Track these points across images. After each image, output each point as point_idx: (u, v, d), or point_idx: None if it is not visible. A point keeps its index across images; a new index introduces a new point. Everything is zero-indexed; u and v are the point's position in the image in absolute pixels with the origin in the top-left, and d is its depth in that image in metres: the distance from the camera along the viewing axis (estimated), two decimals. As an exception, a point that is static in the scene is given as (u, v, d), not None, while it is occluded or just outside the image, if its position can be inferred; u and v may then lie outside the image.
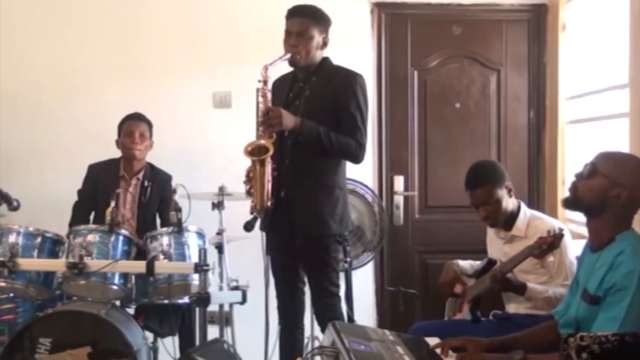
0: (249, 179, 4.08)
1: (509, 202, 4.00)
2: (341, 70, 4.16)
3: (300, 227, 4.09)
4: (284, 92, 4.20)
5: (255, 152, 3.99)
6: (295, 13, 4.10)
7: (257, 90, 4.06)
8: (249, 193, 4.09)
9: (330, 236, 4.10)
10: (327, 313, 4.07)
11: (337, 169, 4.14)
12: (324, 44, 4.13)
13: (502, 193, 3.97)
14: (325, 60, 4.18)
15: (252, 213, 4.09)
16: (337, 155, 4.10)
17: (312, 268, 4.18)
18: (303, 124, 4.00)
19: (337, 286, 4.19)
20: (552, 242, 3.39)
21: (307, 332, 4.68)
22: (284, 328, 4.35)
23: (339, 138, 4.03)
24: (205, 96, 5.56)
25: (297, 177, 4.07)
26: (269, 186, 4.01)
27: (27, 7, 5.45)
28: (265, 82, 4.05)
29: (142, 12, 5.53)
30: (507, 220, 4.02)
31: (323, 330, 4.19)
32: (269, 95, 4.07)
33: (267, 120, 3.97)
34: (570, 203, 2.92)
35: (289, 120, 3.98)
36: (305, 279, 4.29)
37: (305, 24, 4.05)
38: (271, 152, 3.96)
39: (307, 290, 4.31)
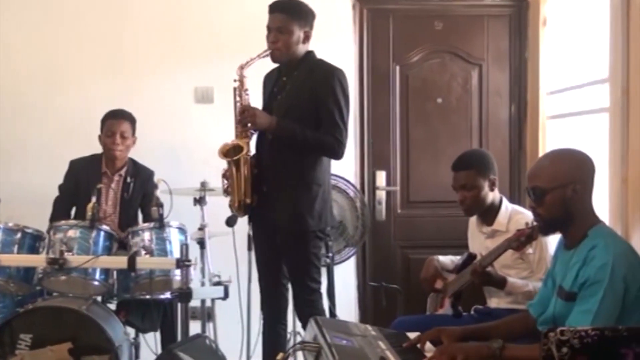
0: (225, 178, 4.10)
1: (488, 194, 4.01)
2: (322, 65, 4.15)
3: (278, 224, 4.10)
4: (270, 87, 4.23)
5: (230, 152, 4.02)
6: (274, 9, 4.09)
7: (234, 89, 4.09)
8: (226, 192, 4.11)
9: (309, 232, 4.10)
10: (307, 309, 4.07)
11: (316, 165, 4.12)
12: (306, 38, 4.12)
13: (484, 183, 3.99)
14: (309, 54, 4.17)
15: (232, 212, 4.13)
16: (315, 153, 4.10)
17: (292, 264, 4.18)
18: (278, 124, 4.02)
19: (318, 282, 4.19)
20: (530, 233, 3.41)
21: (289, 328, 4.69)
22: (267, 323, 4.35)
23: (315, 136, 4.03)
24: (187, 91, 5.54)
25: (276, 173, 4.08)
26: (246, 185, 4.03)
27: (8, 2, 5.41)
28: (241, 82, 4.08)
29: (125, 7, 5.51)
30: (489, 214, 4.04)
31: (304, 326, 4.20)
32: (245, 94, 4.09)
33: (242, 120, 4.01)
34: (546, 229, 2.97)
35: (263, 119, 4.02)
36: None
37: (283, 19, 4.05)
38: (245, 151, 3.99)
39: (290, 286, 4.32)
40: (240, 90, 4.09)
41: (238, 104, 4.08)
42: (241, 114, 4.04)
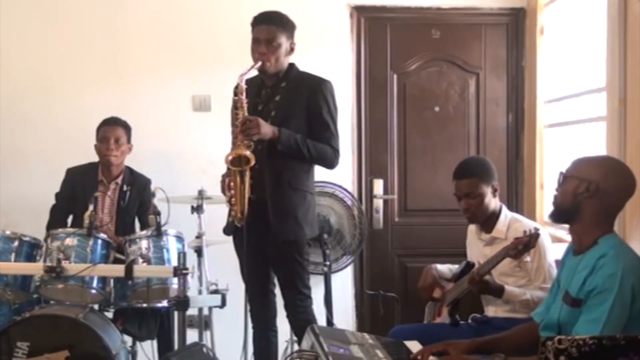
0: (229, 188, 4.04)
1: (491, 201, 4.00)
2: (310, 77, 4.17)
3: (275, 232, 4.08)
4: (251, 97, 4.12)
5: (235, 161, 3.97)
6: (262, 20, 4.07)
7: (234, 100, 4.04)
8: (229, 202, 4.07)
9: (303, 240, 4.12)
10: (300, 315, 4.10)
11: (309, 174, 4.17)
12: (291, 50, 4.13)
13: (487, 190, 3.98)
14: (292, 66, 4.18)
15: (232, 222, 4.09)
16: (314, 162, 4.13)
17: (285, 271, 4.18)
18: (281, 133, 4.00)
19: (309, 288, 4.20)
20: (528, 242, 3.41)
21: (286, 336, 4.69)
22: (258, 331, 4.36)
23: (316, 145, 4.05)
24: (185, 99, 5.54)
25: (270, 182, 4.06)
26: (247, 195, 4.00)
27: (4, 11, 5.41)
28: (241, 93, 4.02)
29: (122, 16, 5.51)
30: (488, 222, 4.04)
31: (296, 333, 4.25)
32: (246, 104, 4.03)
33: (245, 130, 3.96)
34: (552, 213, 2.95)
35: (267, 129, 3.98)
36: (276, 281, 4.29)
37: (273, 31, 4.04)
38: (252, 162, 3.94)
39: (277, 292, 4.31)
40: (240, 101, 4.02)
41: (240, 115, 4.00)
42: (243, 124, 3.97)
